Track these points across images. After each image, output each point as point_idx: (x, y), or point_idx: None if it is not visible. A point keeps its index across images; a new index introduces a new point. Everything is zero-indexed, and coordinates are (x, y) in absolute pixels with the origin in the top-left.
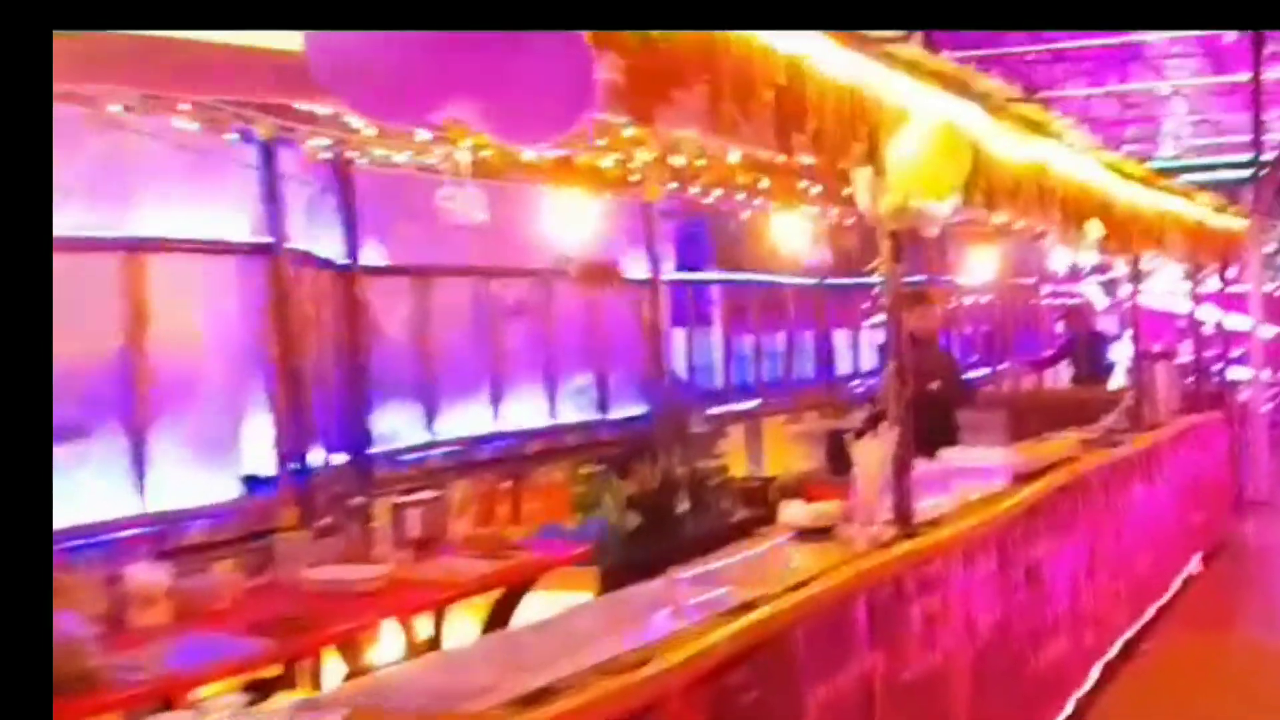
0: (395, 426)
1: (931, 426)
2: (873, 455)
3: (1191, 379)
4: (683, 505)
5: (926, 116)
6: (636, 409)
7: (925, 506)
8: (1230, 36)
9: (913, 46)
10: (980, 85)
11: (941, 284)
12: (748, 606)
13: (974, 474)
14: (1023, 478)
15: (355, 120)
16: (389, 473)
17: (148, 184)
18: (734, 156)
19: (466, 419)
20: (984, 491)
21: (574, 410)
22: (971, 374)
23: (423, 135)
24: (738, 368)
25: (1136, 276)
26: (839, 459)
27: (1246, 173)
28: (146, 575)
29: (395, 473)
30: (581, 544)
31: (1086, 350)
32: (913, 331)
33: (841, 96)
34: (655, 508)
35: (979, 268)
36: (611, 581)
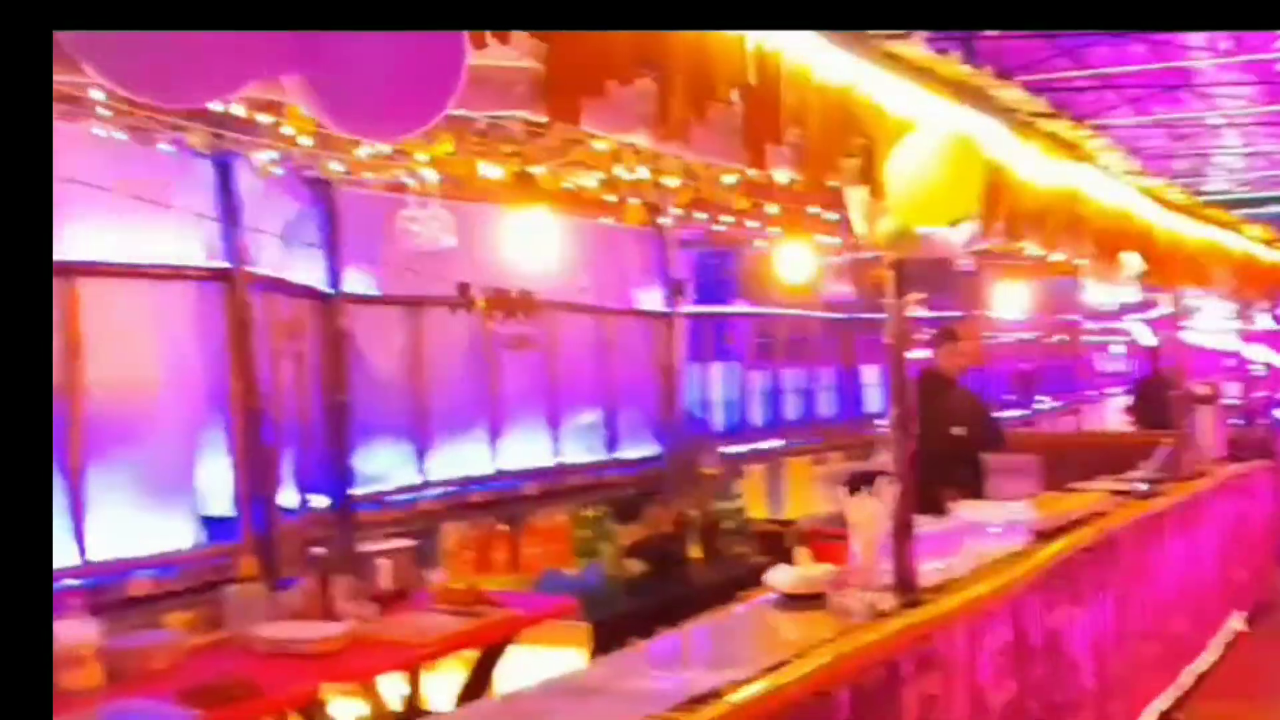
0: (384, 466)
1: (956, 475)
2: (869, 514)
3: (1240, 421)
4: (693, 550)
5: (932, 128)
6: (648, 449)
7: (932, 570)
8: None
9: (918, 46)
10: (1002, 97)
11: (974, 320)
12: (705, 698)
13: (990, 532)
14: (1045, 535)
15: (289, 129)
16: (375, 516)
17: (80, 200)
18: (730, 178)
19: (462, 458)
20: (1000, 552)
21: (580, 449)
22: (1008, 414)
23: (379, 149)
24: (760, 405)
25: (1179, 313)
26: None
27: None
28: (74, 633)
29: (383, 515)
30: (571, 596)
31: (1156, 392)
32: (939, 371)
33: (829, 102)
34: (661, 554)
35: (1012, 302)
36: (604, 636)
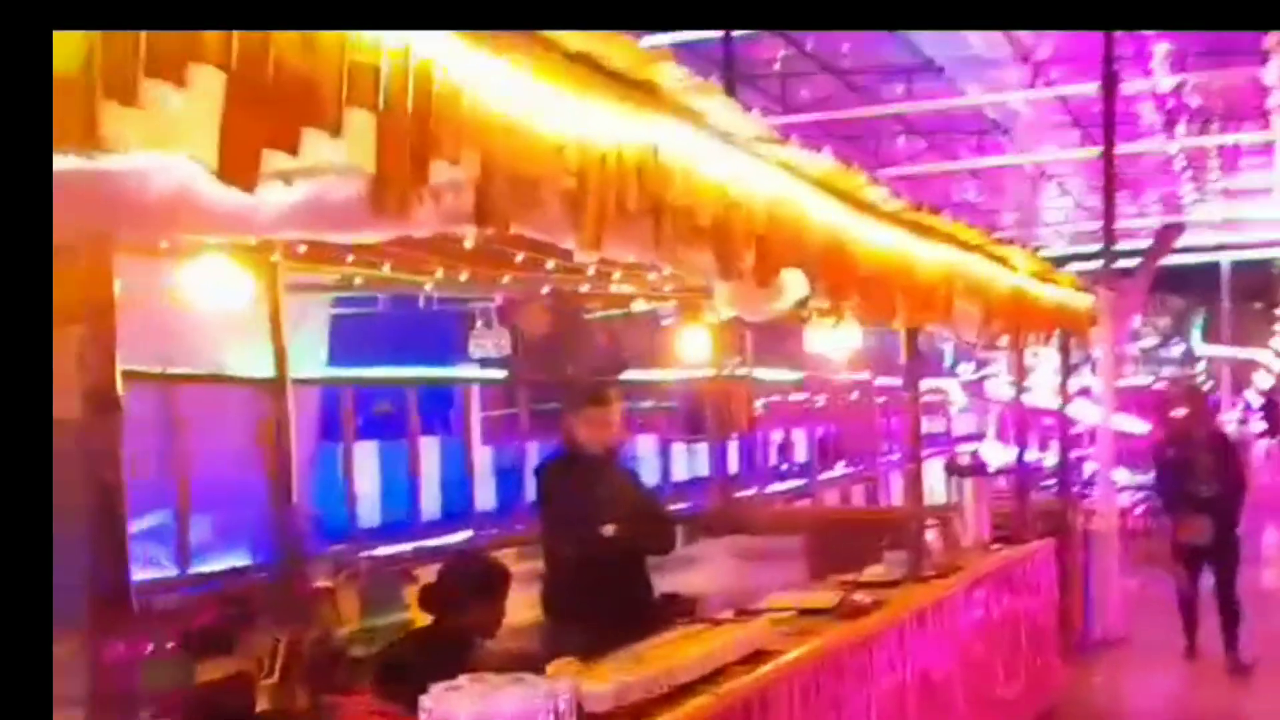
0: None
1: (607, 597)
2: None
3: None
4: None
5: None
6: (241, 559)
7: None
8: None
9: None
10: None
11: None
12: None
13: None
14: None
15: None
16: None
17: None
18: None
19: None
20: None
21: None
22: (781, 485)
23: None
24: (447, 491)
25: (915, 357)
26: None
27: (1127, 259)
28: None
29: None
30: None
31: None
32: (577, 450)
33: None
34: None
35: (694, 352)
36: None
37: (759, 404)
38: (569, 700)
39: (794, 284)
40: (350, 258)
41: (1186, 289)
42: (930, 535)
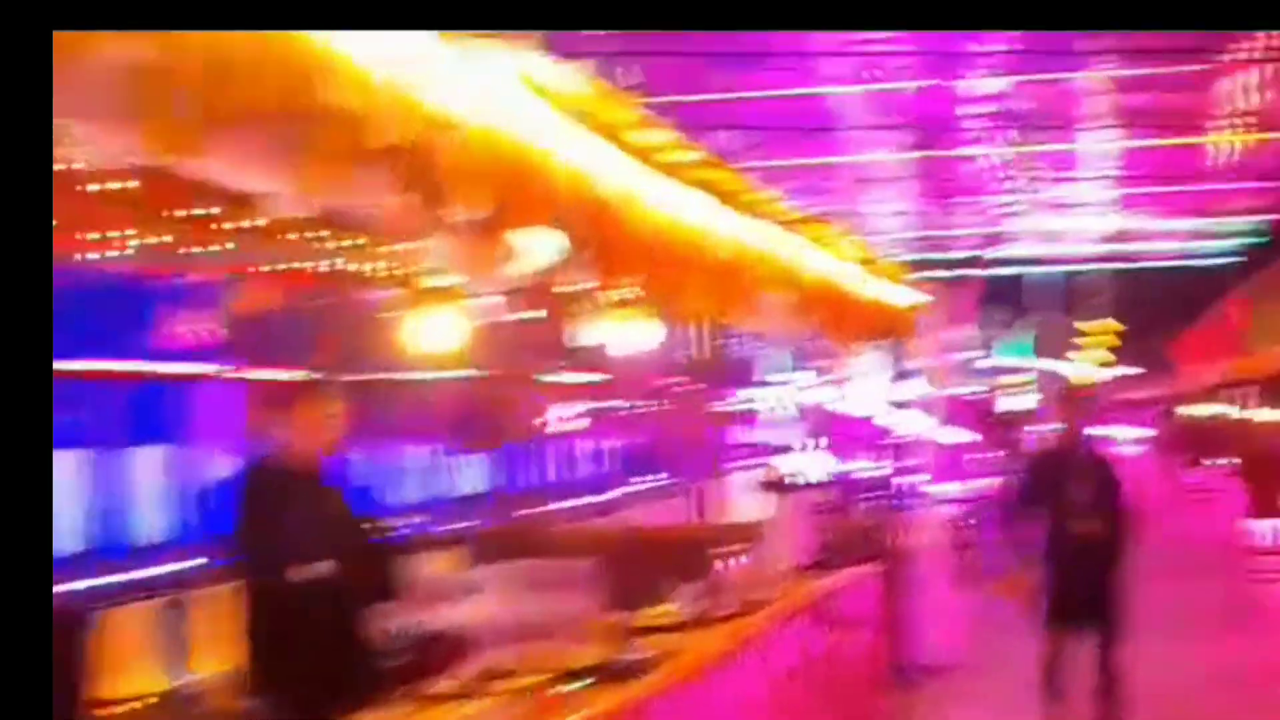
0: None
1: (314, 658)
2: None
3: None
4: None
5: None
6: None
7: None
8: None
9: None
10: None
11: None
12: None
13: None
14: None
15: None
16: None
17: None
18: None
19: None
20: None
21: None
22: (571, 502)
23: None
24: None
25: (717, 355)
26: None
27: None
28: None
29: None
30: None
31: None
32: (285, 460)
33: None
34: None
35: (434, 345)
36: None
37: (571, 411)
38: None
39: (540, 248)
40: None
41: (1006, 300)
42: (735, 561)
